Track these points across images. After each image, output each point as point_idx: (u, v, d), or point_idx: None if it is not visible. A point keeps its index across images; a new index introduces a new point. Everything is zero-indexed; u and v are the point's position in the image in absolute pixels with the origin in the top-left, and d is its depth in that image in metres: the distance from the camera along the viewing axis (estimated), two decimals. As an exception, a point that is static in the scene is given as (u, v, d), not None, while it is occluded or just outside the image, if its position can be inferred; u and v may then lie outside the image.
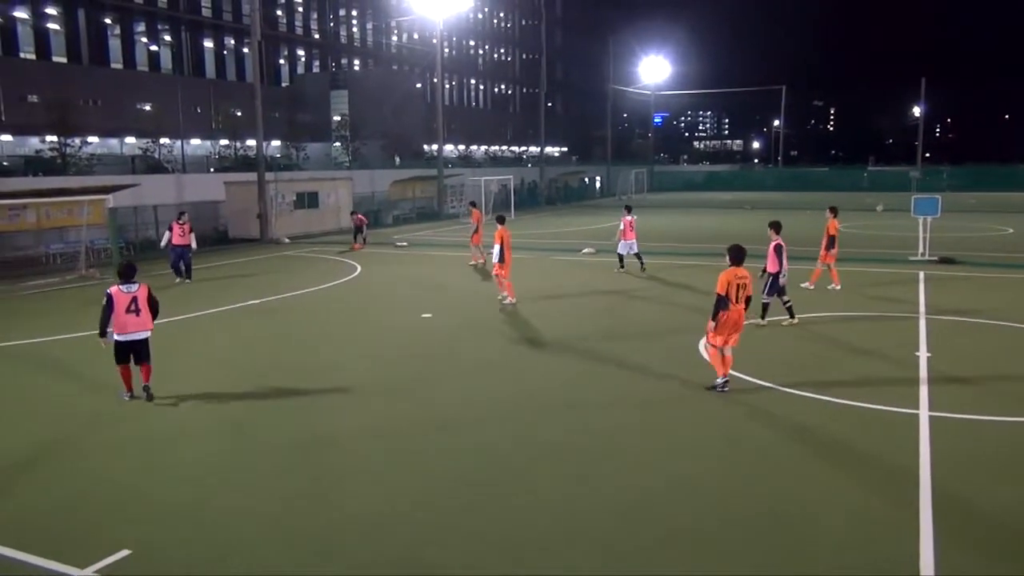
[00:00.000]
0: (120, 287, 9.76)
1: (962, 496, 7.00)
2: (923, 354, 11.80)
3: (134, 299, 9.74)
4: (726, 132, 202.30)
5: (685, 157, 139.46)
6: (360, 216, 29.03)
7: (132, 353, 9.86)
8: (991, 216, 37.61)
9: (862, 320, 14.63)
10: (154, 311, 9.99)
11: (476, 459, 8.06)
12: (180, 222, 20.28)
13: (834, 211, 17.68)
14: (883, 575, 5.76)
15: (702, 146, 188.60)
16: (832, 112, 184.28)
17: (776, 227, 14.06)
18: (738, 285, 9.71)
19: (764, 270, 14.00)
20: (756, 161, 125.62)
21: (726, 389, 9.98)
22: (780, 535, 6.36)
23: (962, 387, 10.27)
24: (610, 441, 8.53)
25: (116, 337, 9.75)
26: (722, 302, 9.66)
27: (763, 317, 13.92)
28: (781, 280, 13.89)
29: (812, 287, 17.55)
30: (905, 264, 21.61)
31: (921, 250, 22.50)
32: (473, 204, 24.40)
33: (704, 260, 22.79)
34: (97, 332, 9.87)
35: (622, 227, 20.87)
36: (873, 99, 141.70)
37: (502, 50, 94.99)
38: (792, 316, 14.12)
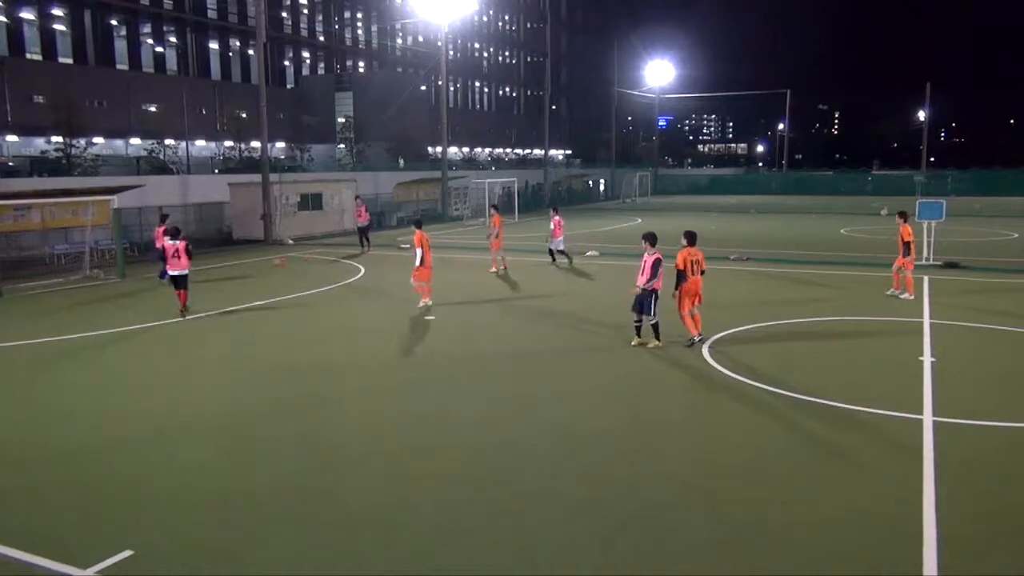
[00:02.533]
0: (167, 241, 15.84)
1: (966, 502, 6.98)
2: (927, 359, 11.77)
3: (176, 249, 15.45)
4: (730, 136, 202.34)
5: (689, 160, 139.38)
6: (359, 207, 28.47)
7: (176, 282, 15.57)
8: (996, 221, 37.50)
9: (866, 324, 14.59)
10: (189, 256, 15.64)
11: (499, 456, 8.06)
12: (169, 236, 16.24)
13: (904, 216, 17.33)
14: (886, 581, 5.74)
15: (706, 149, 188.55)
16: (837, 116, 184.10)
17: (651, 239, 12.62)
18: (692, 261, 12.38)
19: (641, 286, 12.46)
20: (760, 165, 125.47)
21: (698, 341, 12.56)
22: (781, 541, 6.35)
23: (966, 392, 10.24)
24: (625, 437, 8.52)
25: (168, 272, 15.72)
26: (681, 275, 12.34)
27: (657, 338, 12.56)
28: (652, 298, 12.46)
29: (912, 296, 16.95)
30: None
31: (926, 254, 22.45)
32: (495, 208, 23.29)
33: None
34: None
35: (552, 227, 22.36)
36: (878, 103, 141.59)
37: (506, 53, 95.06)
38: (657, 337, 12.60)
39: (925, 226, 22.81)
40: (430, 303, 16.15)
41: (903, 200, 43.29)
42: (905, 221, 17.18)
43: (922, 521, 6.54)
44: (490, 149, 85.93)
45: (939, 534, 6.30)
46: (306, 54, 69.61)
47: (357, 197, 30.53)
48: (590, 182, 68.63)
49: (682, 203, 56.13)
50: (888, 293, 17.28)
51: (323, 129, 61.49)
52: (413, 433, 8.91)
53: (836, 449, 8.32)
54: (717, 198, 62.23)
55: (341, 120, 63.10)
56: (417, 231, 16.31)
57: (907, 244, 16.86)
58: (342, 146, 61.23)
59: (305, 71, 69.44)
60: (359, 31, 74.32)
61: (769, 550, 6.15)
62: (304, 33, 68.62)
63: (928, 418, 9.11)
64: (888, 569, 5.86)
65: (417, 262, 15.98)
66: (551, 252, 22.90)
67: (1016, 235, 31.50)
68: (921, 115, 74.27)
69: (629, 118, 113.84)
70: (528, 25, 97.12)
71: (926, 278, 19.76)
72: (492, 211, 23.11)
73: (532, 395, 10.31)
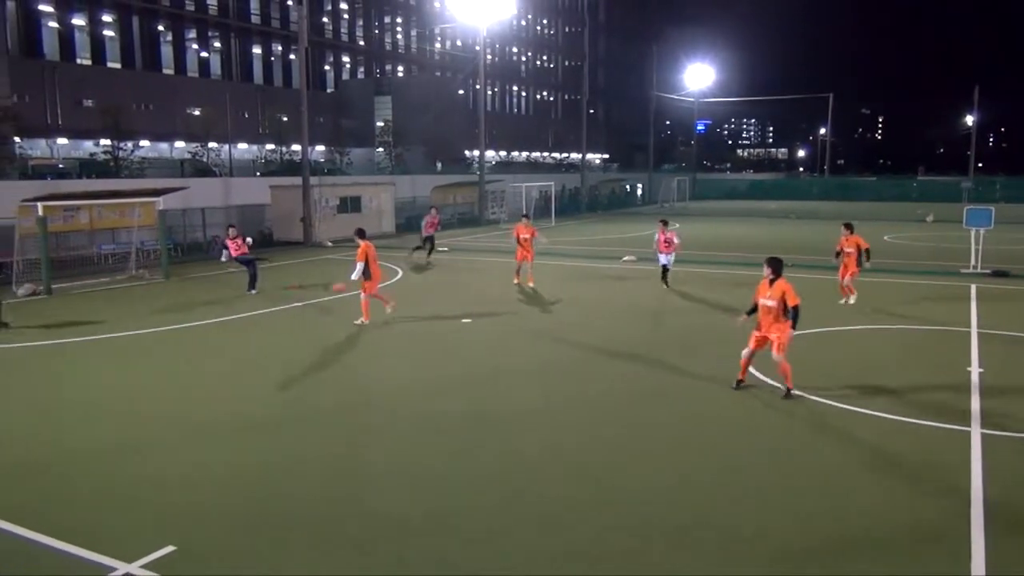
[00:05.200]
0: (230, 240, 19.02)
1: (1017, 515, 6.79)
2: (975, 370, 11.48)
3: (236, 241, 18.89)
4: (770, 140, 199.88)
5: (728, 165, 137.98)
6: (434, 218, 25.69)
7: (246, 265, 19.07)
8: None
9: (913, 334, 14.29)
10: (250, 248, 19.23)
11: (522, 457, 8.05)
12: (231, 237, 19.31)
13: (849, 227, 17.14)
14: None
15: (746, 154, 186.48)
16: (880, 120, 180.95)
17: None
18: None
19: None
20: (801, 170, 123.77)
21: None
22: (831, 551, 6.24)
23: (1016, 404, 9.96)
24: (655, 450, 8.47)
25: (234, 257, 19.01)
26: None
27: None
28: None
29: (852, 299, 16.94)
30: (957, 277, 21.07)
31: (973, 263, 21.94)
32: (526, 216, 21.64)
33: (744, 269, 22.46)
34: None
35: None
36: (923, 107, 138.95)
37: (544, 57, 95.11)
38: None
39: (972, 234, 22.30)
40: (366, 322, 14.89)
41: (950, 207, 42.39)
42: (852, 232, 16.95)
43: (970, 535, 6.38)
44: (527, 153, 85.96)
45: (987, 546, 6.14)
46: (346, 59, 70.37)
47: (433, 208, 28.02)
48: (627, 186, 68.28)
49: (721, 208, 55.58)
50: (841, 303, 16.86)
51: (362, 133, 62.07)
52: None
53: (882, 459, 8.16)
54: (756, 203, 61.43)
55: (380, 124, 63.62)
56: (362, 242, 14.83)
57: (841, 253, 17.03)
58: (380, 149, 61.74)
59: (345, 75, 70.20)
60: (399, 36, 74.96)
61: (811, 558, 6.05)
62: (344, 38, 69.42)
63: (976, 430, 8.89)
64: (935, 584, 5.72)
65: (356, 275, 14.67)
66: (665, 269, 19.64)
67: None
68: (968, 119, 72.64)
69: (667, 122, 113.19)
70: (566, 29, 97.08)
71: (973, 287, 19.30)
72: (524, 219, 20.90)
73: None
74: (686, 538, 6.44)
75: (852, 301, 16.84)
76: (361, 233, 15.44)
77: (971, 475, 7.62)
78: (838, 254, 17.28)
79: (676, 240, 19.32)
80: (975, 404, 9.84)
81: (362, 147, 60.12)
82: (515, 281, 19.96)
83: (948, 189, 60.40)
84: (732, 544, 6.32)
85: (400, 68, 74.40)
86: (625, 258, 25.59)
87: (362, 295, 15.08)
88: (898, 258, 25.33)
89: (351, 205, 34.19)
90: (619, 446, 8.65)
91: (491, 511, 6.96)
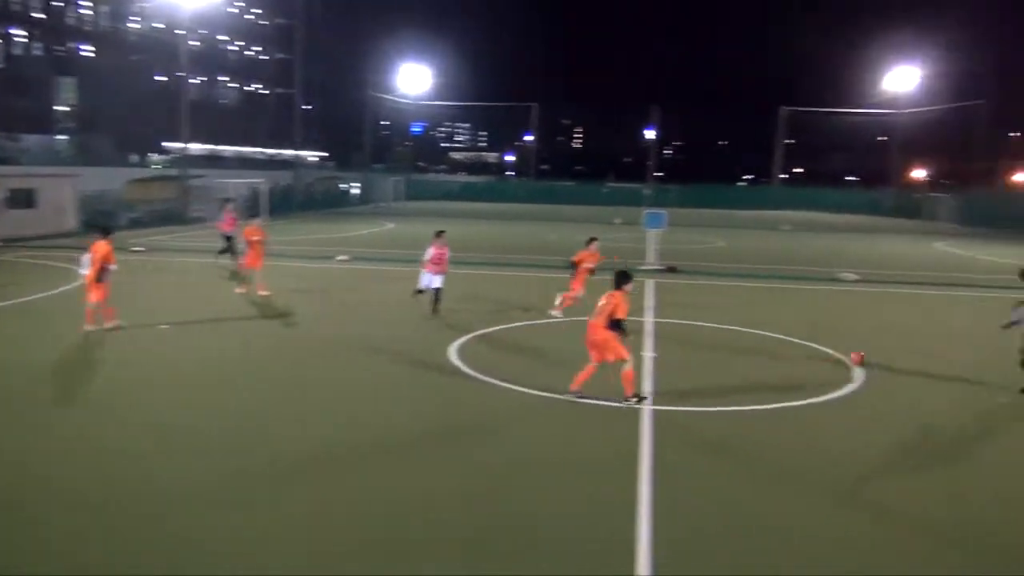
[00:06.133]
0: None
1: (680, 483, 7.82)
2: (649, 354, 12.98)
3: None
4: (483, 144, 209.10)
5: (443, 167, 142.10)
6: (230, 216, 22.45)
7: None
8: (709, 230, 42.31)
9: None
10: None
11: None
12: None
13: (592, 240, 16.75)
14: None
15: (460, 157, 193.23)
16: (578, 130, 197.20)
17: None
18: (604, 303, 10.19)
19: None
20: (511, 173, 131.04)
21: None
22: (509, 541, 6.70)
23: (683, 383, 11.43)
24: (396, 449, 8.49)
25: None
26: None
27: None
28: None
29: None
30: (635, 272, 23.61)
31: (650, 259, 24.77)
32: (256, 217, 19.88)
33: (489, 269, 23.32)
34: None
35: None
36: (613, 120, 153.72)
37: (256, 48, 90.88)
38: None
39: (650, 234, 25.22)
40: (93, 328, 13.47)
41: (635, 210, 47.46)
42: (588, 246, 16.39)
43: (636, 506, 7.23)
44: (237, 148, 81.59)
45: (653, 512, 7.00)
46: (19, 31, 61.58)
47: (229, 201, 24.43)
48: (344, 185, 67.55)
49: (435, 208, 57.06)
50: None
51: (40, 117, 54.78)
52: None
53: (557, 441, 8.96)
54: (469, 204, 64.01)
55: (63, 108, 56.62)
56: (101, 240, 13.43)
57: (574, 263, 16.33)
58: (63, 137, 54.94)
59: (18, 50, 61.40)
60: (86, 10, 67.20)
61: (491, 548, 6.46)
62: (16, 6, 60.70)
63: (648, 407, 10.07)
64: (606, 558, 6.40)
65: (87, 271, 13.29)
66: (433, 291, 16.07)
67: (724, 243, 35.75)
68: (649, 134, 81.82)
69: (385, 122, 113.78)
70: (279, 20, 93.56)
71: (651, 282, 21.79)
72: (252, 220, 19.06)
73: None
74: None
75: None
76: (105, 230, 14.05)
77: (640, 449, 8.62)
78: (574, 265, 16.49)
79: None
80: (648, 384, 11.14)
81: (40, 133, 53.04)
82: (240, 290, 18.00)
83: (633, 194, 67.64)
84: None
85: (88, 47, 66.74)
86: (339, 257, 25.33)
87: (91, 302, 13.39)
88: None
89: (23, 199, 30.02)
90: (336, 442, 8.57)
91: None
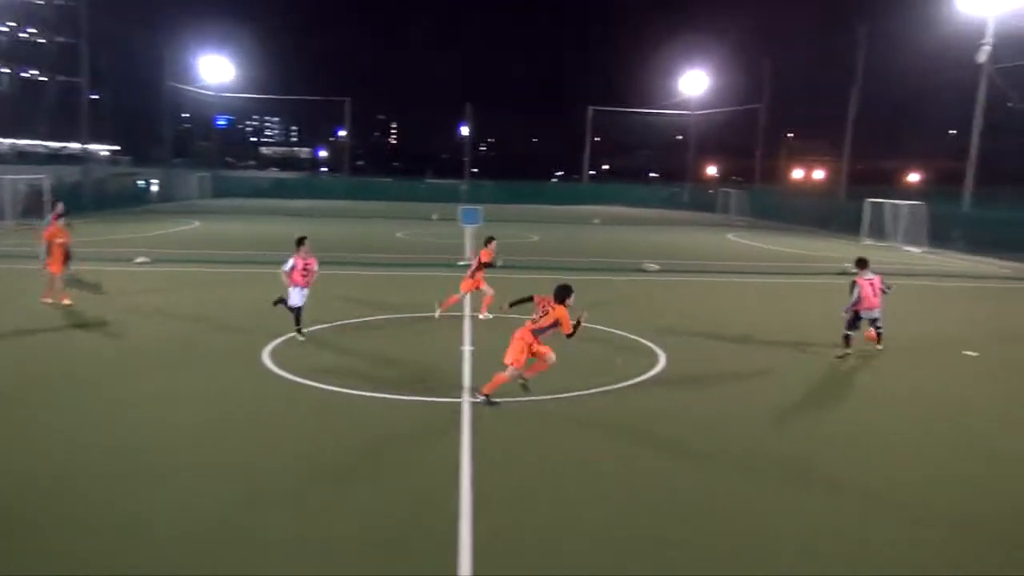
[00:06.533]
0: None
1: (501, 477, 7.99)
2: (467, 348, 13.16)
3: None
4: (295, 139, 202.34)
5: (253, 163, 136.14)
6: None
7: None
8: (524, 225, 43.45)
9: (416, 321, 15.78)
10: None
11: None
12: None
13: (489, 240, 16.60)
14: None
15: (271, 152, 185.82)
16: (394, 126, 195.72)
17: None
18: (542, 309, 10.10)
19: None
20: (325, 169, 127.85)
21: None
22: (327, 541, 6.57)
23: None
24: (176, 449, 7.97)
25: None
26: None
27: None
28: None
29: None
30: (453, 268, 23.85)
31: (467, 255, 25.05)
32: (60, 215, 16.55)
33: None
34: None
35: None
36: (428, 117, 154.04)
37: (31, 30, 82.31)
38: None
39: (467, 230, 25.51)
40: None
41: (452, 206, 47.80)
42: (486, 245, 16.56)
43: (459, 498, 7.32)
44: (12, 140, 73.61)
45: (473, 507, 7.11)
46: None
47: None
48: (141, 182, 62.85)
49: (245, 206, 54.55)
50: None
51: None
52: None
53: (382, 438, 8.88)
54: (282, 201, 61.72)
55: None
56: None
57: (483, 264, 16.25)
58: None
59: None
60: None
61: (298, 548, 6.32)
62: None
63: (467, 401, 10.21)
64: (430, 551, 6.43)
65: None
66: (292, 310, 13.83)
67: (537, 237, 36.87)
68: (464, 131, 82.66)
69: (186, 115, 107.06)
70: (57, 1, 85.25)
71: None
72: (57, 219, 16.50)
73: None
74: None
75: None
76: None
77: (461, 442, 8.74)
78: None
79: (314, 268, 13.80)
80: (466, 378, 11.30)
81: None
82: (46, 300, 16.14)
83: (450, 191, 68.15)
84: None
85: None
86: (138, 260, 23.57)
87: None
88: (408, 253, 27.71)
89: None
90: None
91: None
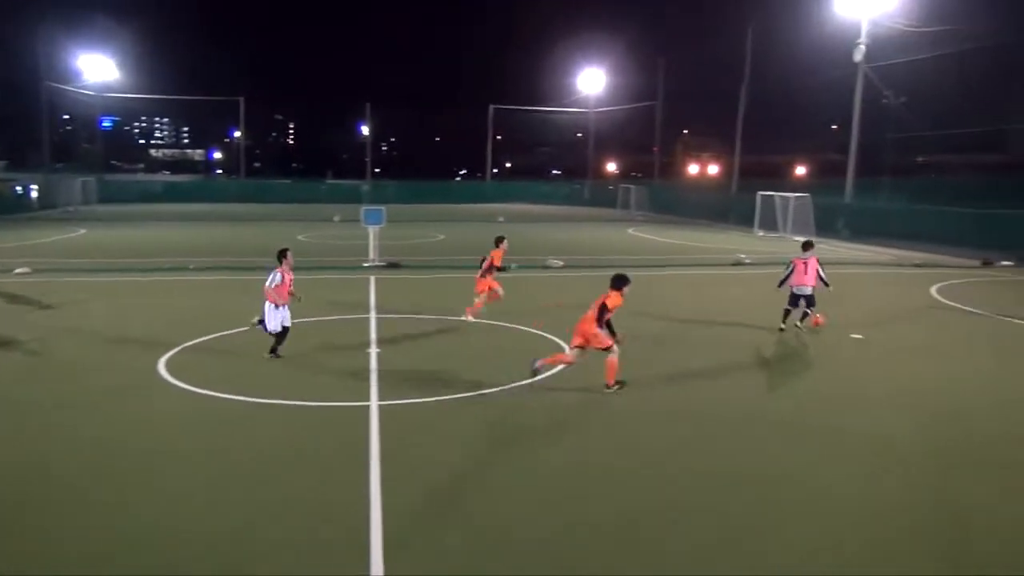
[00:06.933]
0: None
1: (407, 475, 7.92)
2: (374, 350, 13.00)
3: None
4: (186, 141, 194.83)
5: (142, 166, 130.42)
6: None
7: None
8: (428, 224, 43.26)
9: (322, 324, 15.48)
10: None
11: None
12: None
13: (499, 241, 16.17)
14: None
15: (160, 154, 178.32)
16: (292, 126, 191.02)
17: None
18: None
19: None
20: (220, 172, 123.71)
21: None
22: (238, 547, 6.37)
23: (406, 375, 11.58)
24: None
25: None
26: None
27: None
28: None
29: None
30: (358, 270, 23.54)
31: (372, 256, 24.75)
32: None
33: (182, 275, 21.62)
34: None
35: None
36: (327, 117, 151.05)
37: None
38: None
39: (370, 231, 25.17)
40: None
41: (354, 207, 47.08)
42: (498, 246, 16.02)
43: (369, 502, 7.22)
44: None
45: (384, 511, 7.03)
46: None
47: None
48: (19, 188, 59.18)
49: (135, 212, 52.10)
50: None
51: None
52: None
53: (286, 446, 8.68)
54: (175, 206, 59.31)
55: None
56: None
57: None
58: None
59: None
60: None
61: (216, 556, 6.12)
62: None
63: (374, 403, 10.08)
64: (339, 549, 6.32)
65: None
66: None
67: (442, 236, 36.78)
68: (364, 130, 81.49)
69: (67, 116, 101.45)
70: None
71: (372, 278, 21.81)
72: None
73: None
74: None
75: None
76: None
77: (370, 446, 8.61)
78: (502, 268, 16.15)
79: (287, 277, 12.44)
80: (373, 380, 11.15)
81: None
82: None
83: (352, 191, 67.09)
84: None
85: None
86: (18, 270, 22.20)
87: None
88: (312, 256, 27.13)
89: None
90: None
91: None
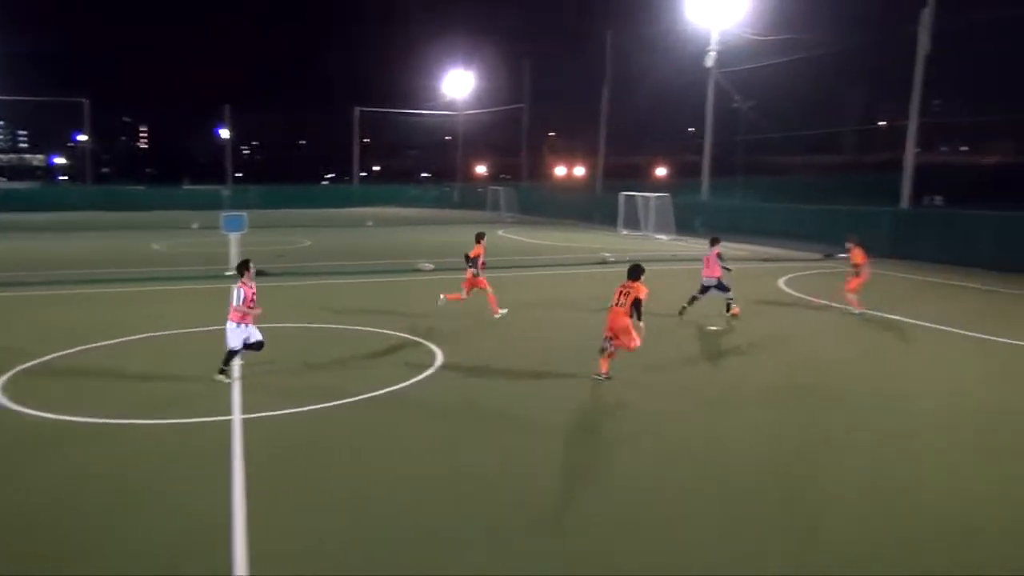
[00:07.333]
0: None
1: (275, 491, 7.68)
2: (236, 361, 12.48)
3: None
4: (24, 145, 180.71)
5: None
6: None
7: None
8: (294, 230, 42.08)
9: (178, 338, 14.76)
10: None
11: None
12: None
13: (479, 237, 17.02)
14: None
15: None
16: (144, 130, 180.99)
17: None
18: (621, 292, 11.39)
19: None
20: (65, 177, 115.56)
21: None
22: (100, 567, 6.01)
23: (275, 386, 11.23)
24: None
25: None
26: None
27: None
28: None
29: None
30: (220, 279, 22.56)
31: (232, 265, 23.79)
32: None
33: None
34: None
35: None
36: (183, 120, 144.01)
37: None
38: None
39: (231, 238, 24.20)
40: None
41: (214, 214, 45.15)
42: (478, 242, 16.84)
43: (232, 519, 6.96)
44: None
45: (248, 521, 6.79)
46: None
47: None
48: None
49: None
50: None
51: None
52: None
53: (154, 467, 8.23)
54: (13, 215, 54.81)
55: None
56: None
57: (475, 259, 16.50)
58: None
59: None
60: None
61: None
62: None
63: (237, 417, 9.71)
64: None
65: None
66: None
67: (309, 242, 35.89)
68: (224, 134, 78.26)
69: None
70: None
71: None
72: None
73: None
74: None
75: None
76: None
77: (232, 461, 8.30)
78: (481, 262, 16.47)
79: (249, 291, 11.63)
80: (236, 394, 10.74)
81: None
82: None
83: (211, 197, 64.22)
84: None
85: None
86: None
87: None
88: (168, 266, 25.85)
89: None
90: None
91: None
